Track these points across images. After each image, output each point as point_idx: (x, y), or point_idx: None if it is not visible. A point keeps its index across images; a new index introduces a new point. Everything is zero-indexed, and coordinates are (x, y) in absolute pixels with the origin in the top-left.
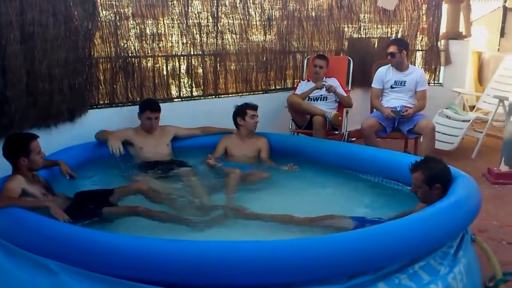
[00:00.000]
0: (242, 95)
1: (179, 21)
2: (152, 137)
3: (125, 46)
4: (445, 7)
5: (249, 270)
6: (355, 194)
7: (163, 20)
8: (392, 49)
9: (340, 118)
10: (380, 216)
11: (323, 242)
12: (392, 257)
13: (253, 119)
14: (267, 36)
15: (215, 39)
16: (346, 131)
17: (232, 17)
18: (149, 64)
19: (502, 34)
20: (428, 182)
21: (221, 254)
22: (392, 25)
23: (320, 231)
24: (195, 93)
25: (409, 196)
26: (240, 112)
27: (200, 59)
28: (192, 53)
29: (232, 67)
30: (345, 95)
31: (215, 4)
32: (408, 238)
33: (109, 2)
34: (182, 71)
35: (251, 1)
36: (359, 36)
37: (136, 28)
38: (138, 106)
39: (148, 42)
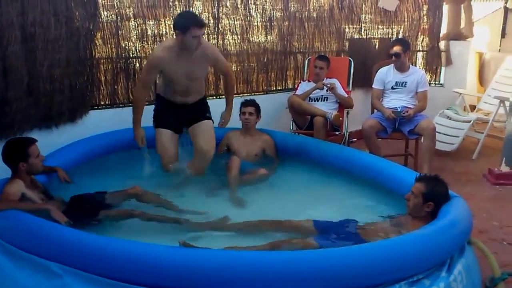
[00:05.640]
0: (243, 95)
1: None
2: None
3: (126, 47)
4: (446, 7)
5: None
6: (349, 196)
7: (165, 21)
8: (397, 49)
9: (340, 118)
10: (361, 219)
11: (319, 256)
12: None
13: (244, 115)
14: (268, 36)
15: (216, 40)
16: (346, 131)
17: (233, 17)
18: None
19: (503, 34)
20: (425, 197)
21: (235, 264)
22: (393, 26)
23: (284, 234)
24: None
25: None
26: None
27: None
28: None
29: (233, 67)
30: (346, 95)
31: (216, 5)
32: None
33: (111, 3)
34: None
35: (252, 2)
36: (360, 36)
37: (138, 29)
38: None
39: (149, 43)
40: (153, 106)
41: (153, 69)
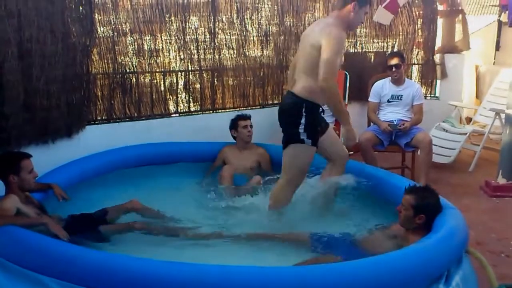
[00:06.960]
0: (239, 110)
1: (176, 37)
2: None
3: (122, 62)
4: (440, 21)
5: None
6: (345, 207)
7: (161, 36)
8: (396, 60)
9: (337, 132)
10: (358, 230)
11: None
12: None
13: (246, 128)
14: (264, 51)
15: (212, 55)
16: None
17: (229, 32)
18: (147, 80)
19: (497, 47)
20: (416, 209)
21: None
22: (388, 40)
23: (279, 247)
24: (192, 109)
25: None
26: (232, 124)
27: (197, 74)
28: (189, 68)
29: (229, 82)
30: None
31: (212, 20)
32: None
33: (107, 19)
34: (180, 86)
35: (248, 17)
36: (356, 50)
37: (134, 44)
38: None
39: (145, 58)
40: None
41: (342, 49)
